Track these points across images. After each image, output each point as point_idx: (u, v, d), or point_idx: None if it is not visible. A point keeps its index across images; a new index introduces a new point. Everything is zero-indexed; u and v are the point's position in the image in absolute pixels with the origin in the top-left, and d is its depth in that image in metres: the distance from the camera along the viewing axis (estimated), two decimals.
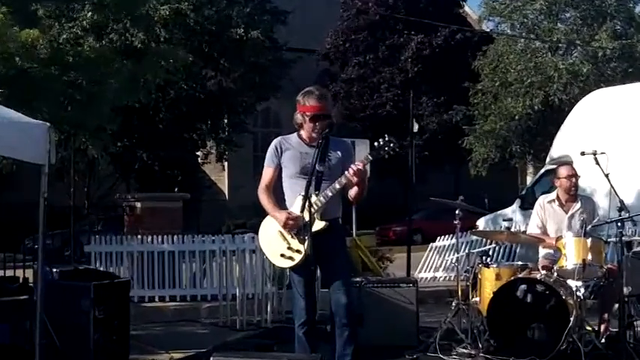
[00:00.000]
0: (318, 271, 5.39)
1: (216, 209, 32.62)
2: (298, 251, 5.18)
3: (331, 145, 5.30)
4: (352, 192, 5.24)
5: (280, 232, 5.26)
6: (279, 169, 5.38)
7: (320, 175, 5.22)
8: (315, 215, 5.15)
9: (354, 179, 5.13)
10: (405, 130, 20.71)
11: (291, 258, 5.21)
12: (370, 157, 5.17)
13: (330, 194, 5.18)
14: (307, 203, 5.04)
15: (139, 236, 11.06)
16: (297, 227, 5.18)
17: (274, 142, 5.46)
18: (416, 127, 25.46)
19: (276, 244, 5.27)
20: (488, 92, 25.71)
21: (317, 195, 5.19)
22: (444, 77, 30.51)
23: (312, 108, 5.28)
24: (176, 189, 24.08)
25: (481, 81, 25.94)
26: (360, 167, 5.13)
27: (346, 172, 5.15)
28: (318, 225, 5.17)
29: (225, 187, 35.68)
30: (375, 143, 5.14)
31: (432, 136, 31.01)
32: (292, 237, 5.22)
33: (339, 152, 5.34)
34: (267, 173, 5.41)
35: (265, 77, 25.36)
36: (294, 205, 5.23)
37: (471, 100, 26.51)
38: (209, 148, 27.22)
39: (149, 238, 10.98)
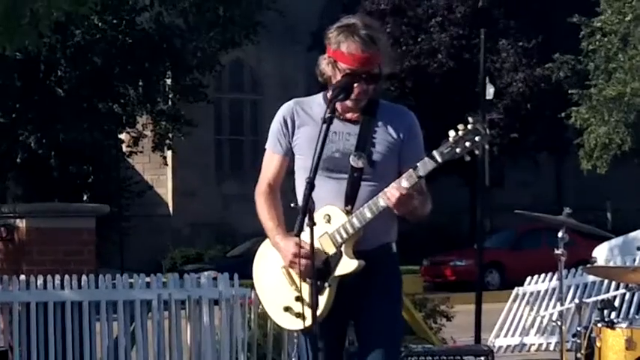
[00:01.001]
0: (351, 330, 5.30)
1: (154, 231, 32.70)
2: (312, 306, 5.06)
3: (380, 118, 5.20)
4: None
5: (286, 269, 5.20)
6: (290, 157, 5.29)
7: (357, 174, 5.12)
8: (342, 248, 5.07)
9: (393, 205, 4.99)
10: (472, 97, 20.71)
11: (300, 315, 5.11)
12: (439, 159, 4.92)
13: (369, 216, 5.06)
14: (310, 225, 4.86)
15: (23, 276, 11.06)
16: (309, 268, 4.99)
17: (283, 109, 5.35)
18: (491, 92, 25.47)
19: (279, 289, 5.22)
20: (612, 33, 25.67)
21: (348, 212, 5.10)
22: (537, 7, 30.52)
23: (351, 59, 5.13)
24: (86, 197, 24.10)
25: (600, 14, 25.91)
26: (399, 196, 4.96)
27: (387, 190, 5.01)
28: (348, 266, 5.09)
29: (167, 194, 35.76)
30: (451, 133, 4.91)
31: (516, 105, 31.02)
32: (304, 280, 5.08)
33: (392, 131, 5.19)
34: (271, 164, 5.32)
35: (235, 8, 25.40)
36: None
37: (583, 45, 26.46)
38: (141, 127, 27.26)
39: (39, 281, 10.97)
